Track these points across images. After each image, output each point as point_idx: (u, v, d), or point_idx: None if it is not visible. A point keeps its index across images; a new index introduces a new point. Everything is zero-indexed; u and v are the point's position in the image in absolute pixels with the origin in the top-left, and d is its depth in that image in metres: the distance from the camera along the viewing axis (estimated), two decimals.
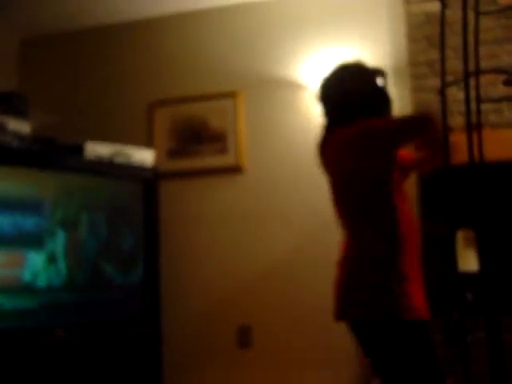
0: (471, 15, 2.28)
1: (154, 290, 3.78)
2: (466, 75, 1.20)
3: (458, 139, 1.78)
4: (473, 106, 1.62)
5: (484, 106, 3.42)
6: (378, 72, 2.49)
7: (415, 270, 2.25)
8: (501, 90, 3.27)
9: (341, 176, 2.37)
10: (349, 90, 2.41)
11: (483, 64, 3.55)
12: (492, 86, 3.16)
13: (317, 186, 3.85)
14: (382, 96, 2.43)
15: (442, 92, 1.35)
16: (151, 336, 3.70)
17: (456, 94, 2.77)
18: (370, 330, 2.18)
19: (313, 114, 3.96)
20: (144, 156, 3.82)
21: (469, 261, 3.33)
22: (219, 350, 4.02)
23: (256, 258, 4.01)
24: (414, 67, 3.73)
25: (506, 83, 1.38)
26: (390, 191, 2.26)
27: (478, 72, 1.22)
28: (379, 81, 2.46)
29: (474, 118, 1.48)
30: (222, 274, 4.05)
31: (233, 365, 3.98)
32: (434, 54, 3.54)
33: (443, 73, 1.30)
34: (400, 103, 3.84)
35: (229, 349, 4.00)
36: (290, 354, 3.88)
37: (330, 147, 2.44)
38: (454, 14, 2.55)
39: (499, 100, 2.80)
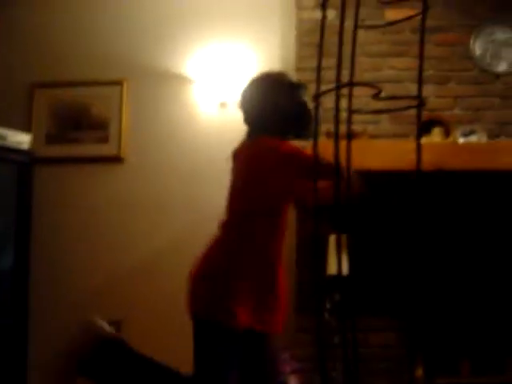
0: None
1: (23, 279, 3.64)
2: (338, 86, 1.23)
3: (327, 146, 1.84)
4: (347, 115, 1.66)
5: (364, 117, 3.57)
6: (299, 86, 2.46)
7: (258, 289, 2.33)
8: (383, 103, 3.41)
9: (238, 180, 2.42)
10: (265, 103, 2.40)
11: (366, 75, 3.71)
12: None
13: (198, 181, 3.88)
14: (299, 113, 2.42)
15: (316, 99, 1.38)
16: (18, 325, 3.57)
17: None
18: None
19: (198, 109, 3.96)
20: (20, 139, 3.66)
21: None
22: None
23: (131, 250, 3.94)
24: (301, 72, 3.79)
25: (374, 97, 1.44)
26: (272, 217, 2.34)
27: (351, 84, 1.25)
28: (299, 96, 2.43)
29: (348, 128, 1.52)
30: (96, 265, 3.95)
31: None
32: (322, 61, 3.62)
33: (318, 81, 1.34)
34: None
35: None
36: (160, 350, 3.84)
37: (243, 153, 2.43)
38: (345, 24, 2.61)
39: (370, 112, 2.90)
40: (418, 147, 1.31)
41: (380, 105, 3.36)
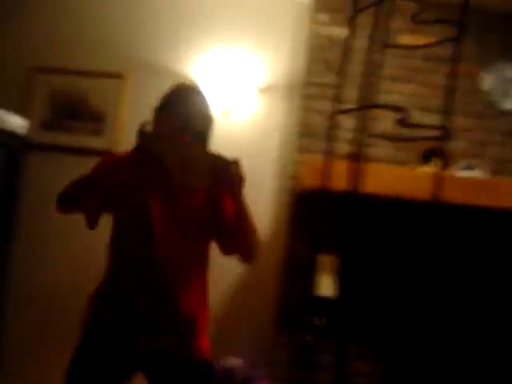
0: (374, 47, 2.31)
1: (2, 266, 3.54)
2: (362, 107, 1.17)
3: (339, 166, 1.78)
4: (362, 137, 1.61)
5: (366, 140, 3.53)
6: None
7: None
8: (379, 126, 3.37)
9: None
10: None
11: (376, 98, 3.67)
12: (375, 120, 3.24)
13: None
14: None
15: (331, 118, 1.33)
16: None
17: (343, 121, 2.79)
18: None
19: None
20: (16, 122, 3.56)
21: (326, 285, 3.38)
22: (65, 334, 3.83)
23: None
24: (307, 87, 3.75)
25: (400, 123, 1.37)
26: None
27: (375, 106, 1.20)
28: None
29: (359, 150, 1.46)
30: (84, 258, 3.85)
31: None
32: (329, 78, 3.58)
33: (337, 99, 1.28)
34: (287, 120, 3.85)
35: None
36: None
37: None
38: (358, 43, 2.58)
39: (393, 140, 2.83)
40: (437, 178, 1.27)
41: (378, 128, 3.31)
